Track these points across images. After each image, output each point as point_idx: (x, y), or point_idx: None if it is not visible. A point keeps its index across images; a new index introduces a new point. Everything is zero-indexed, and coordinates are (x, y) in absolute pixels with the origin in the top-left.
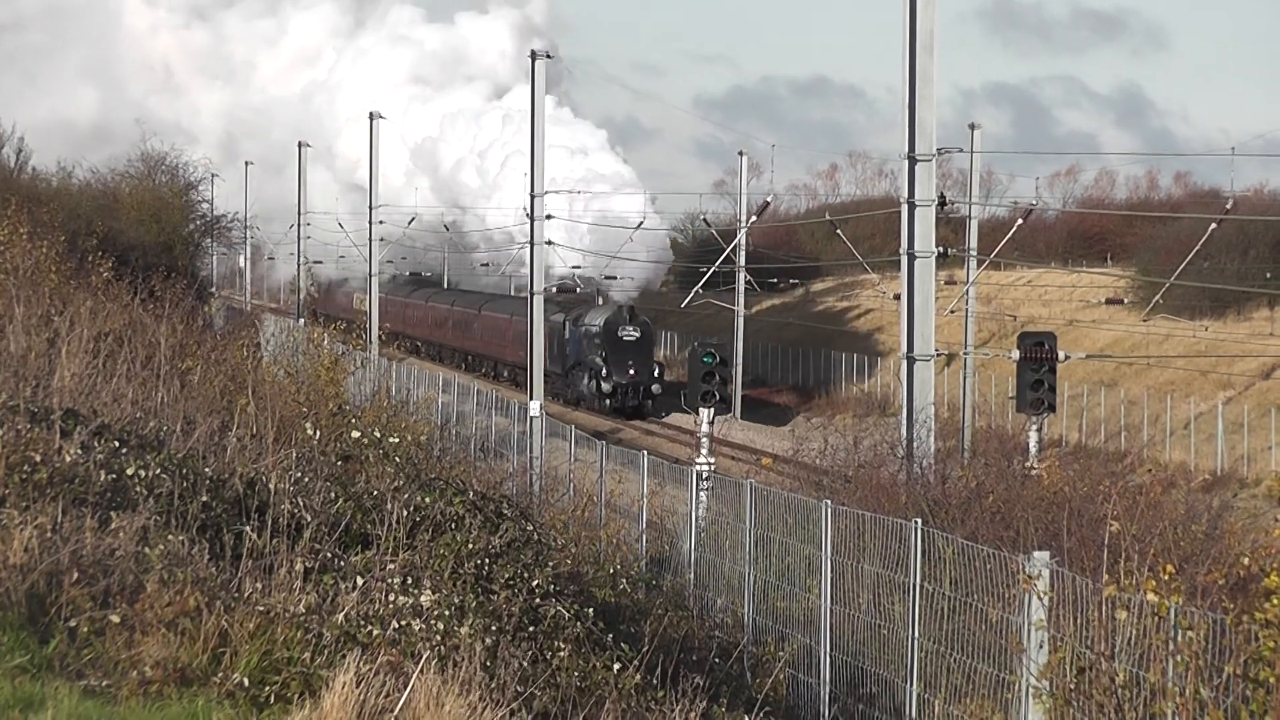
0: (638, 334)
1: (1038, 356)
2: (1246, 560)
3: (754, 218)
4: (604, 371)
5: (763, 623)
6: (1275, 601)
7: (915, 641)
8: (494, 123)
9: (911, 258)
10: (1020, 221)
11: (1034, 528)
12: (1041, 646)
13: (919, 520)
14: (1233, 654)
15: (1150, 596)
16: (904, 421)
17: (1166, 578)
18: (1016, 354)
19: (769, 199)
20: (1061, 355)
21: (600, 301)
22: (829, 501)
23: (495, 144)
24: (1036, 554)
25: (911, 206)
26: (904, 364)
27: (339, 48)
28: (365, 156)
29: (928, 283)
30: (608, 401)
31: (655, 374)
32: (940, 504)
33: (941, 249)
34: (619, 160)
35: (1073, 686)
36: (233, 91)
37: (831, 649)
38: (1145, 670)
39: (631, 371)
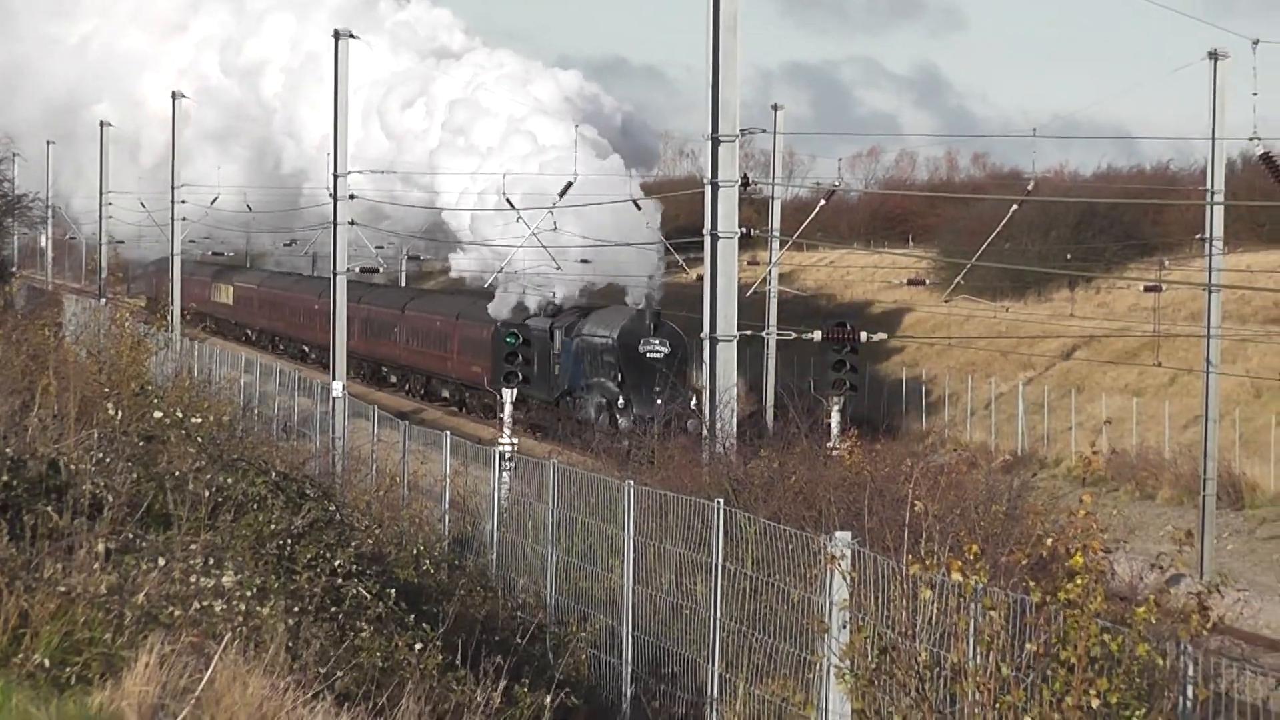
0: (665, 349)
1: (839, 337)
2: (1049, 540)
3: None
4: (620, 401)
5: (565, 603)
6: (1078, 581)
7: (717, 621)
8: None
9: (714, 238)
10: (823, 202)
11: (836, 508)
12: (844, 626)
13: (721, 500)
14: (1034, 634)
15: (954, 576)
16: (706, 402)
17: (971, 557)
18: (818, 335)
19: (571, 180)
20: (863, 336)
21: (573, 299)
22: (632, 482)
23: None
24: (839, 534)
25: (715, 187)
26: (706, 345)
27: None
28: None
29: (730, 263)
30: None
31: (694, 404)
32: (743, 484)
33: (745, 229)
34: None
35: (874, 666)
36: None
37: (633, 629)
38: (947, 650)
39: (659, 402)
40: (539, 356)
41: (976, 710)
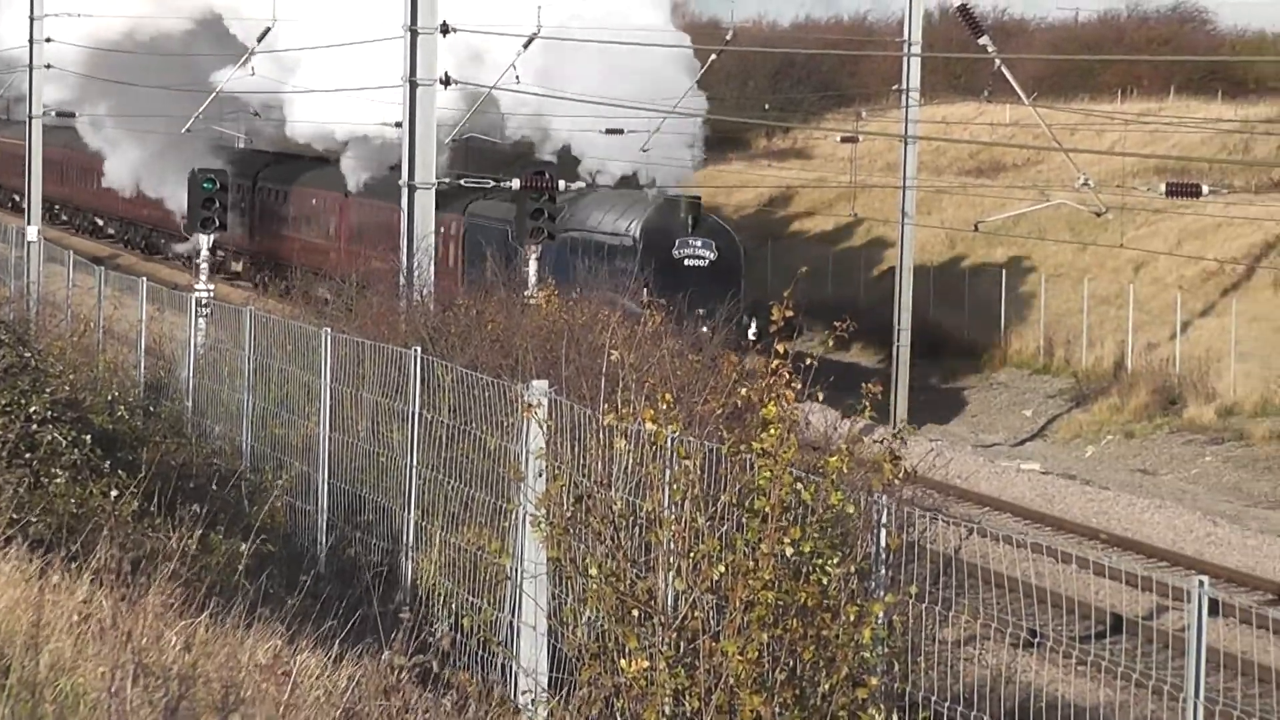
0: (711, 253)
1: (537, 186)
2: (744, 390)
3: None
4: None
5: (261, 450)
6: (772, 431)
7: (414, 469)
8: None
9: (414, 85)
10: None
11: (534, 356)
12: (540, 475)
13: (418, 348)
14: (728, 483)
15: (648, 425)
16: (403, 250)
17: (665, 407)
18: (516, 183)
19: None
20: (561, 184)
21: (591, 180)
22: (329, 329)
23: None
24: (535, 383)
25: (414, 34)
26: (404, 193)
27: None
28: None
29: (430, 110)
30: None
31: (753, 331)
32: (440, 332)
33: (444, 76)
34: None
35: (570, 515)
36: None
37: (330, 477)
38: (642, 499)
39: (705, 330)
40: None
41: (671, 559)
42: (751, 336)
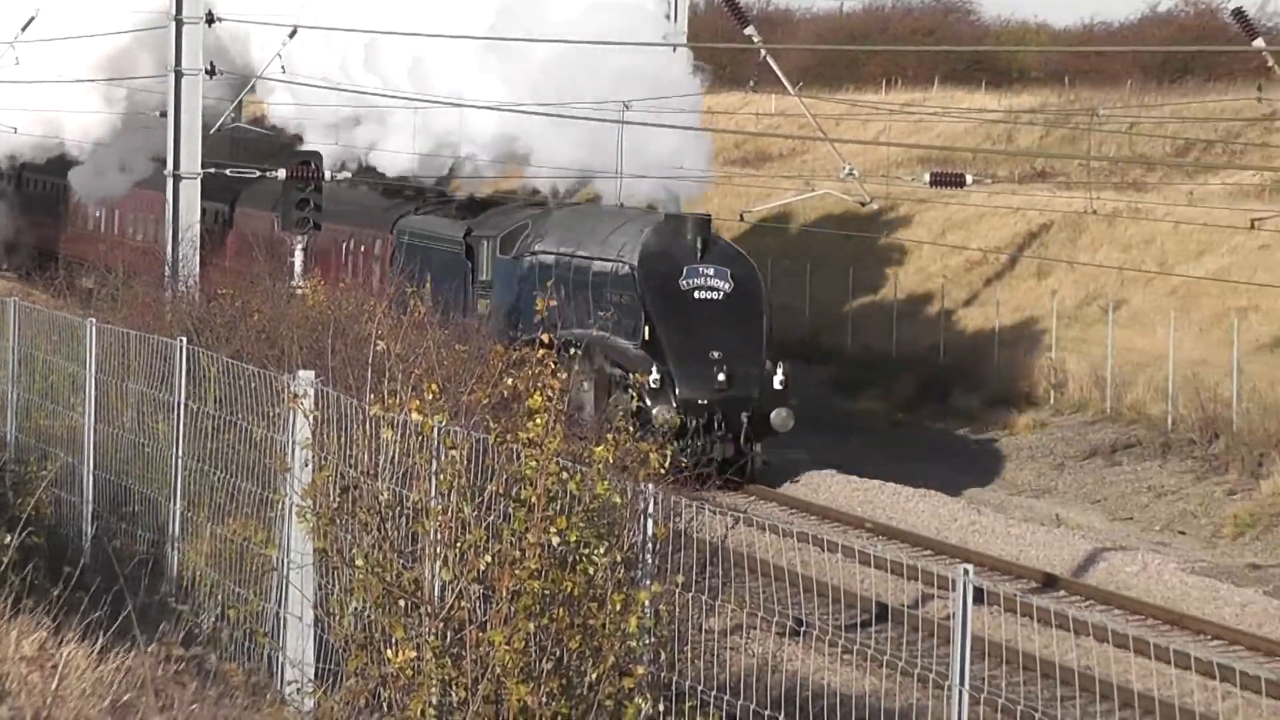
0: (728, 284)
1: (303, 175)
2: (510, 380)
3: None
4: (653, 376)
5: (25, 441)
6: (538, 421)
7: (179, 460)
8: None
9: (179, 75)
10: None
11: (300, 347)
12: (306, 465)
13: (184, 339)
14: (495, 473)
15: (414, 416)
16: (168, 240)
17: (431, 397)
18: (282, 173)
19: None
20: (328, 174)
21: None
22: (94, 320)
23: None
24: (301, 373)
25: (179, 23)
26: (169, 182)
27: None
28: None
29: (195, 101)
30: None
31: (780, 379)
32: (206, 323)
33: (209, 66)
34: None
35: (336, 506)
36: None
37: (95, 467)
38: (409, 489)
39: (722, 376)
40: (462, 283)
41: (438, 549)
42: (778, 386)
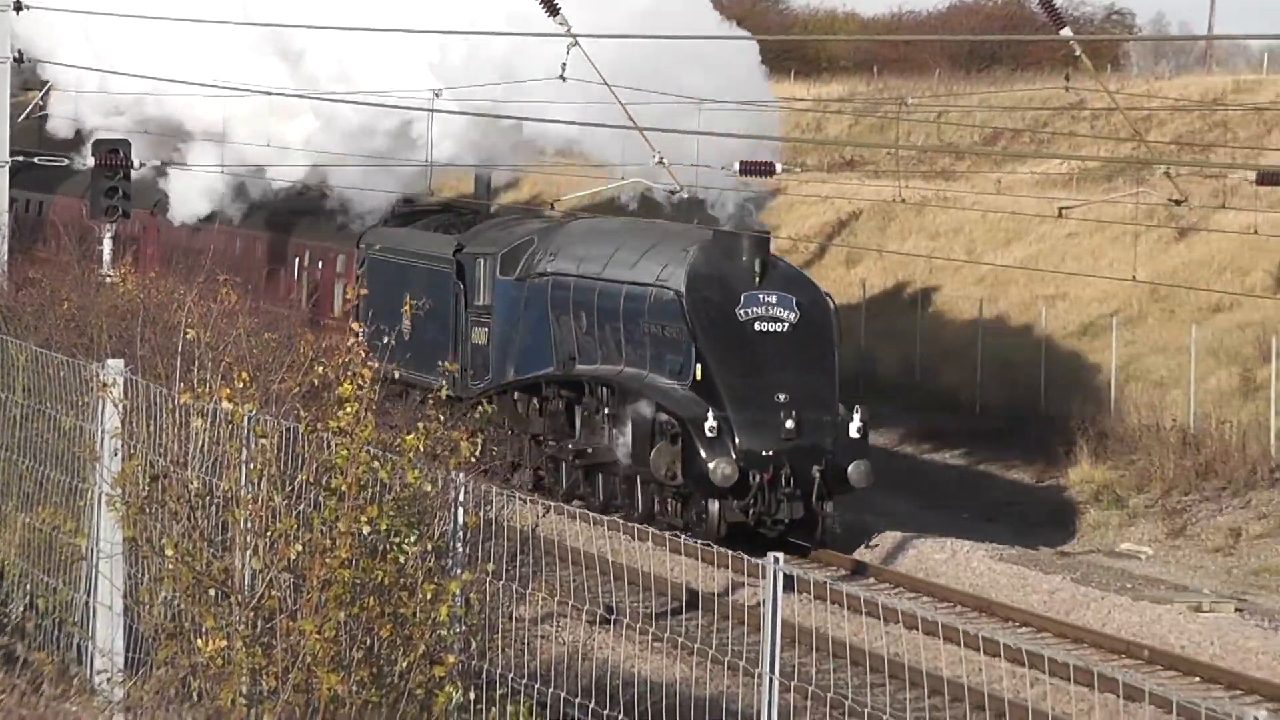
0: (794, 314)
1: (112, 164)
2: (321, 368)
3: None
4: (709, 422)
5: None
6: (348, 409)
7: None
8: None
9: None
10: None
11: (109, 335)
12: (116, 454)
13: None
14: (306, 462)
15: (224, 404)
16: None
17: (241, 385)
18: (91, 161)
19: None
20: (136, 161)
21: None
22: None
23: None
24: (111, 361)
25: None
26: None
27: None
28: None
29: (3, 88)
30: (727, 506)
31: (857, 427)
32: (15, 312)
33: (17, 54)
34: None
35: (146, 494)
36: None
37: None
38: (219, 478)
39: (790, 425)
40: (453, 318)
41: (248, 538)
42: (855, 435)
